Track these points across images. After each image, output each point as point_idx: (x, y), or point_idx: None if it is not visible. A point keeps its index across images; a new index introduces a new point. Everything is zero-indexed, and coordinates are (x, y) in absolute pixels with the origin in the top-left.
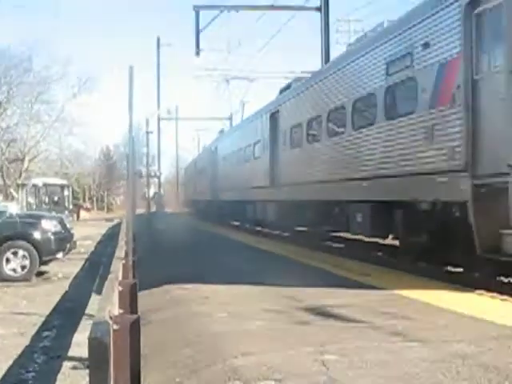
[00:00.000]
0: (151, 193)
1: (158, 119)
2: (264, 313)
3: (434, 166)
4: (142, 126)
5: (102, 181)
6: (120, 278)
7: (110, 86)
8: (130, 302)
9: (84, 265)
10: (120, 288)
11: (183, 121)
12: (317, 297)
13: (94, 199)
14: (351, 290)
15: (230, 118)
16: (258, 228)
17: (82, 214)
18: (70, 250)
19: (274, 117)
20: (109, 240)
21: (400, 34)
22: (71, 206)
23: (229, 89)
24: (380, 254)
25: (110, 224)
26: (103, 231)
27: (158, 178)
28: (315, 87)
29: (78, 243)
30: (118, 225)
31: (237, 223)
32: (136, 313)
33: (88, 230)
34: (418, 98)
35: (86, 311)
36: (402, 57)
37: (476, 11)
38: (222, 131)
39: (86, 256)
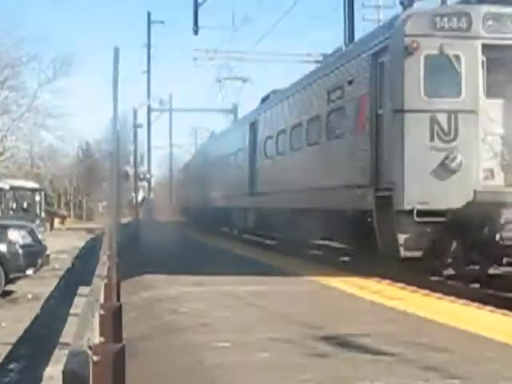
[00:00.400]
0: (139, 198)
1: (149, 110)
2: (271, 342)
3: (355, 181)
4: (129, 119)
5: (80, 183)
6: (101, 299)
7: (91, 71)
8: (113, 328)
9: (59, 284)
10: (101, 312)
11: (178, 113)
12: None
13: (71, 205)
14: (376, 317)
15: (235, 111)
16: (257, 238)
17: (57, 223)
18: (41, 265)
19: (252, 127)
20: (89, 254)
21: (337, 69)
22: (44, 214)
23: (221, 92)
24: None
25: (90, 235)
26: (82, 244)
27: (148, 180)
28: (283, 103)
29: (51, 258)
30: (100, 236)
31: (232, 233)
32: (120, 341)
33: (64, 242)
34: (346, 125)
35: (61, 339)
36: (337, 88)
37: (379, 60)
38: (212, 134)
39: (61, 273)
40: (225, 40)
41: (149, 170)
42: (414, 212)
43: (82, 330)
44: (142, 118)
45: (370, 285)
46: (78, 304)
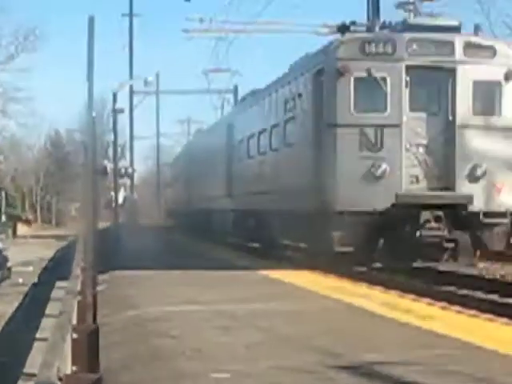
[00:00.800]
0: (120, 198)
1: (131, 92)
2: (278, 372)
3: (304, 185)
4: (107, 103)
5: (48, 181)
6: (74, 321)
7: (61, 47)
8: (87, 355)
9: (22, 302)
10: (74, 335)
11: (167, 96)
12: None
13: (38, 208)
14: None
15: (235, 92)
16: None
17: (21, 228)
18: (2, 279)
19: (229, 128)
20: (59, 266)
21: (293, 81)
22: (4, 218)
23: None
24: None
25: (61, 243)
26: (50, 254)
27: (131, 177)
28: (253, 108)
29: (14, 270)
30: (73, 244)
31: (228, 239)
32: (97, 371)
33: (29, 252)
34: (297, 134)
35: (25, 369)
36: (291, 99)
37: (319, 79)
38: (199, 131)
39: (25, 289)
40: (221, 11)
41: (131, 165)
42: (345, 213)
43: (51, 357)
44: (123, 102)
45: (389, 299)
46: (46, 326)
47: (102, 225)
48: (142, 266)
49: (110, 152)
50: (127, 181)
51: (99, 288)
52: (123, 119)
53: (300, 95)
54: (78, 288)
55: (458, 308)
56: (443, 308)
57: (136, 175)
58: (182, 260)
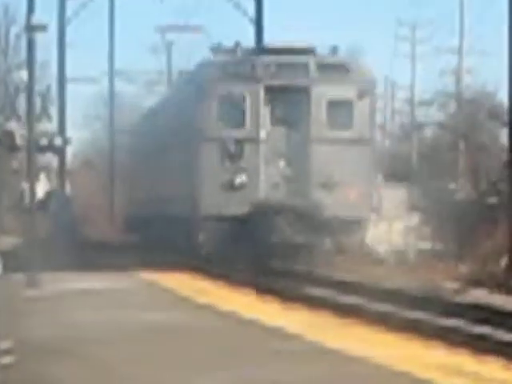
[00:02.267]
0: (40, 192)
1: None
2: None
3: (182, 192)
4: (16, 15)
5: None
6: None
7: None
8: None
9: None
10: None
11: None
12: None
13: None
14: None
15: None
16: None
17: None
18: None
19: (157, 116)
20: None
21: (178, 93)
22: None
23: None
24: None
25: None
26: None
27: (60, 153)
28: (164, 103)
29: None
30: None
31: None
32: None
33: None
34: (178, 143)
35: None
36: (177, 110)
37: (193, 97)
38: (151, 108)
39: None
40: None
41: (61, 131)
42: (209, 218)
43: None
44: (45, 13)
45: None
46: None
47: (7, 241)
48: (75, 321)
49: (22, 106)
50: (53, 160)
51: (2, 361)
52: (47, 44)
53: (181, 108)
54: None
55: None
56: None
57: (70, 150)
58: (148, 312)
